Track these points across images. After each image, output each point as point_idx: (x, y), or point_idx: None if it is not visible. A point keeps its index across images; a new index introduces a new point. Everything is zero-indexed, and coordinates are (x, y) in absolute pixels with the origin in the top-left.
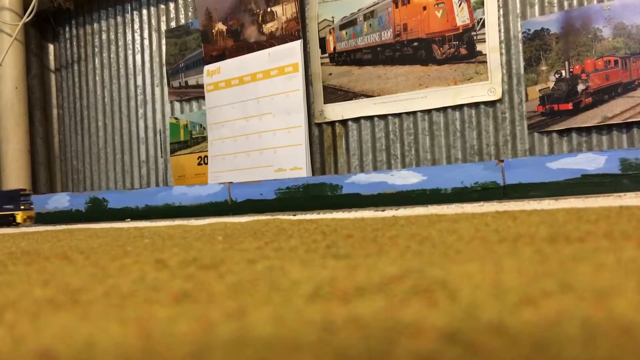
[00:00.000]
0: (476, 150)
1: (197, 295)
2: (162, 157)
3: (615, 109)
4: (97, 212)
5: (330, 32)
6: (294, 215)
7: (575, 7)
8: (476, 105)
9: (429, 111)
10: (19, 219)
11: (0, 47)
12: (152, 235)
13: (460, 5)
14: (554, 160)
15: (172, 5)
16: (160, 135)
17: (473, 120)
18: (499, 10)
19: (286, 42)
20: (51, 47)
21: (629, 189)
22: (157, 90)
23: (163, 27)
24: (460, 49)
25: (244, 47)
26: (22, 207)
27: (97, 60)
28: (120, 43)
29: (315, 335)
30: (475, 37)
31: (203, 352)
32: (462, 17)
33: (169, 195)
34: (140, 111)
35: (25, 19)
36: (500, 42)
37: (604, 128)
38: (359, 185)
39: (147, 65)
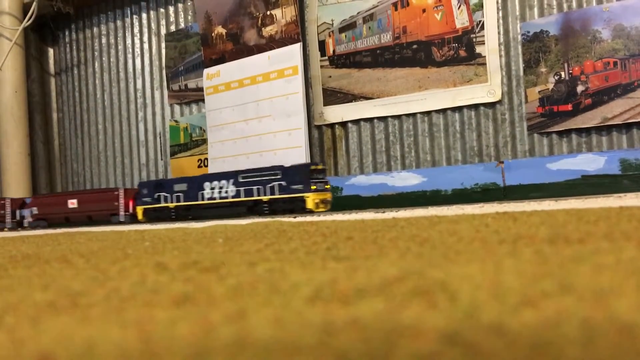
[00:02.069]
0: (476, 152)
1: (198, 298)
2: (162, 159)
3: (614, 110)
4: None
5: (329, 35)
6: (294, 217)
7: (575, 9)
8: (476, 106)
9: (428, 113)
10: (309, 203)
11: (0, 51)
12: (152, 238)
13: (459, 7)
14: (554, 161)
15: (171, 9)
16: (160, 138)
17: (473, 121)
18: (498, 12)
19: (286, 45)
20: (51, 51)
21: (629, 189)
22: (157, 94)
23: (163, 31)
24: (459, 51)
25: (243, 50)
26: (313, 187)
27: (96, 64)
28: (120, 47)
29: (315, 337)
30: (474, 39)
31: (203, 355)
32: (461, 20)
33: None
34: (140, 114)
35: (25, 23)
36: (500, 44)
37: (604, 129)
38: (359, 187)
39: (147, 68)
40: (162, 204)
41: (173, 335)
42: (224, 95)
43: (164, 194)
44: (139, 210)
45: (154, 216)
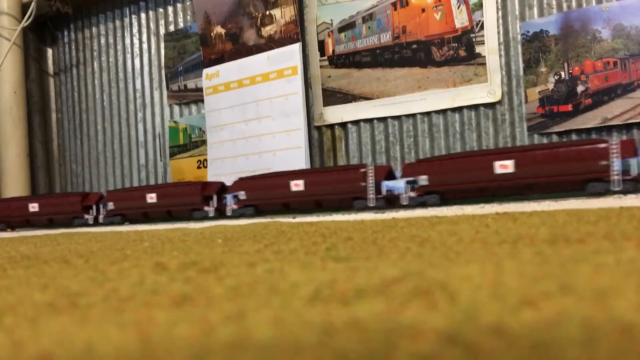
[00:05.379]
0: None
1: (197, 299)
2: (161, 160)
3: (614, 110)
4: None
5: (329, 35)
6: (294, 217)
7: (574, 8)
8: (476, 107)
9: (428, 113)
10: None
11: None
12: (151, 238)
13: (459, 7)
14: None
15: (170, 9)
16: (159, 138)
17: (472, 122)
18: (497, 12)
19: (285, 45)
20: (50, 51)
21: (629, 190)
22: (156, 94)
23: (162, 31)
24: (459, 51)
25: (242, 51)
26: None
27: (95, 64)
28: (119, 47)
29: (315, 338)
30: (474, 39)
31: (203, 356)
32: (460, 19)
33: None
34: (140, 115)
35: (24, 23)
36: (499, 43)
37: (604, 129)
38: None
39: (146, 68)
40: None
41: (172, 335)
42: (223, 95)
43: None
44: None
45: None
